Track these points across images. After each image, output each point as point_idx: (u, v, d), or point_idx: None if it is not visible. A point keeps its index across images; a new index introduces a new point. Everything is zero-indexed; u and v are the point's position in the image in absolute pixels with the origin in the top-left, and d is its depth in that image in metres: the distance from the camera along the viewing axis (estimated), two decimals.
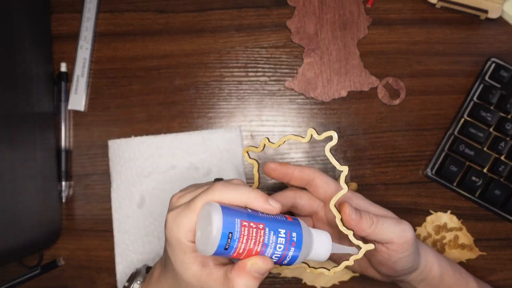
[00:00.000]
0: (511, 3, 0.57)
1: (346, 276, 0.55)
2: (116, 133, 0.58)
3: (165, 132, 0.57)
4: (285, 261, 0.38)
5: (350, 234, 0.42)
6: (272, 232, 0.36)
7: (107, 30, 0.59)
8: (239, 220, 0.35)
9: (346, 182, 0.43)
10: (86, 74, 0.58)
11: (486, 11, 0.56)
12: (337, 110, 0.57)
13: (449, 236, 0.56)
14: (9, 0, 0.50)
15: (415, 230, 0.56)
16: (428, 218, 0.56)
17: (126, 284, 0.48)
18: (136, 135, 0.57)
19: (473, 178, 0.54)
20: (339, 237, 0.46)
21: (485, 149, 0.55)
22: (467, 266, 0.56)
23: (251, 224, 0.35)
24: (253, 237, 0.35)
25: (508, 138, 0.54)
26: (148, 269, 0.50)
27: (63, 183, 0.56)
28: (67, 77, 0.58)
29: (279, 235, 0.36)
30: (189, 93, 0.58)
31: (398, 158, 0.57)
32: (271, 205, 0.37)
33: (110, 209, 0.56)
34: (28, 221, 0.51)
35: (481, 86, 0.56)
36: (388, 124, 0.57)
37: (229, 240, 0.34)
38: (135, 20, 0.59)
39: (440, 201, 0.56)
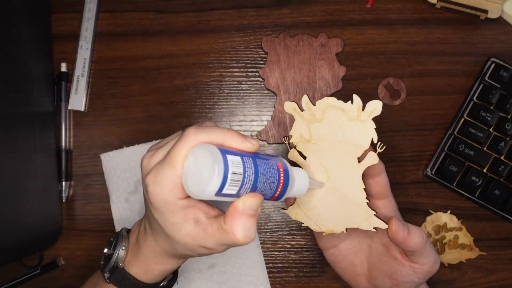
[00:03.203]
0: (511, 3, 0.57)
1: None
2: (116, 133, 0.58)
3: (165, 132, 0.57)
4: (274, 197, 0.37)
5: (372, 214, 0.41)
6: (263, 168, 0.35)
7: (107, 30, 0.59)
8: (233, 157, 0.34)
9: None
10: (86, 74, 0.58)
11: (486, 11, 0.56)
12: None
13: (449, 236, 0.56)
14: (10, 0, 0.50)
15: None
16: (428, 218, 0.56)
17: (107, 250, 0.44)
18: (135, 136, 0.57)
19: (473, 178, 0.54)
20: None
21: (485, 149, 0.55)
22: (467, 266, 0.56)
23: (244, 160, 0.34)
24: (247, 175, 0.34)
25: (508, 138, 0.54)
26: (128, 232, 0.45)
27: (63, 183, 0.56)
28: (67, 77, 0.58)
29: (269, 170, 0.36)
30: (189, 93, 0.58)
31: (398, 158, 0.57)
32: (250, 142, 0.36)
33: (110, 209, 0.56)
34: (28, 221, 0.51)
35: (481, 86, 0.56)
36: (388, 124, 0.57)
37: (228, 179, 0.33)
38: (135, 20, 0.59)
39: (440, 201, 0.56)
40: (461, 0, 0.56)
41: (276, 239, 0.57)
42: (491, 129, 0.55)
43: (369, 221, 0.41)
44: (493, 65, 0.56)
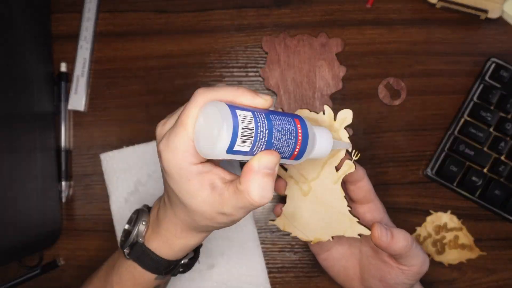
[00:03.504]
0: (511, 3, 0.57)
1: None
2: (116, 133, 0.58)
3: None
4: (294, 155, 0.35)
5: (355, 221, 0.42)
6: (277, 123, 0.33)
7: (107, 30, 0.59)
8: (243, 112, 0.32)
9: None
10: (86, 74, 0.58)
11: (486, 11, 0.56)
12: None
13: (449, 236, 0.56)
14: (10, 0, 0.50)
15: (415, 230, 0.56)
16: (428, 218, 0.56)
17: (127, 227, 0.43)
18: (135, 136, 0.57)
19: (473, 178, 0.54)
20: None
21: (485, 149, 0.55)
22: (468, 266, 0.56)
23: (256, 116, 0.32)
24: (260, 130, 0.32)
25: (508, 138, 0.54)
26: (149, 209, 0.44)
27: (63, 183, 0.56)
28: (67, 77, 0.58)
29: (284, 126, 0.34)
30: (189, 93, 0.58)
31: (398, 158, 0.57)
32: (262, 98, 0.34)
33: (110, 209, 0.56)
34: (28, 221, 0.51)
35: (481, 86, 0.56)
36: (388, 124, 0.57)
37: (239, 134, 0.31)
38: (135, 20, 0.59)
39: (440, 201, 0.56)
40: (461, 0, 0.56)
41: (276, 239, 0.57)
42: (491, 129, 0.55)
43: (353, 228, 0.42)
44: (493, 65, 0.56)
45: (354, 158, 0.41)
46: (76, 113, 0.58)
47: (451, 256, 0.55)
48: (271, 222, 0.45)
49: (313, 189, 0.43)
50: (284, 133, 0.34)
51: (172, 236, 0.40)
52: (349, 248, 0.48)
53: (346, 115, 0.42)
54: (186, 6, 0.59)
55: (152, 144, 0.56)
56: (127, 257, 0.42)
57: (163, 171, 0.35)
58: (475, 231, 0.56)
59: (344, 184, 0.43)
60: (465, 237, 0.56)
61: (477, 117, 0.55)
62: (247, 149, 0.32)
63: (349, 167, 0.41)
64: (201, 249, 0.56)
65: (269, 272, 0.56)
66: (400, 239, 0.41)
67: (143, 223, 0.42)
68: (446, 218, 0.56)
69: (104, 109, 0.58)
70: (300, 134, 0.34)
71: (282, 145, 0.34)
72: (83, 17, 0.58)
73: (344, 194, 0.42)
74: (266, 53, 0.58)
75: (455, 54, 0.58)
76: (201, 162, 0.34)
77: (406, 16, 0.58)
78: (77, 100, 0.58)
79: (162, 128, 0.36)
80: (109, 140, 0.58)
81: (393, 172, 0.57)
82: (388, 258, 0.44)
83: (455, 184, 0.55)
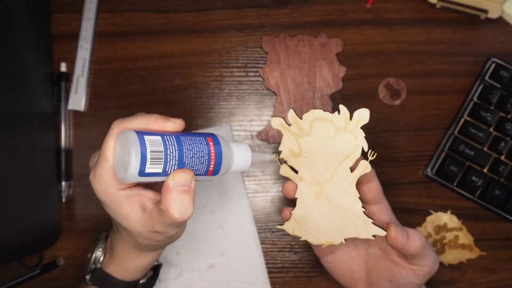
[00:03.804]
0: (511, 3, 0.57)
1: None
2: None
3: None
4: (210, 171, 0.37)
5: (369, 222, 0.41)
6: (188, 143, 0.36)
7: (107, 30, 0.59)
8: (151, 137, 0.35)
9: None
10: (86, 74, 0.58)
11: (486, 11, 0.56)
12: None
13: (449, 236, 0.56)
14: (10, 0, 0.50)
15: None
16: (428, 218, 0.56)
17: (89, 255, 0.47)
18: None
19: (473, 178, 0.54)
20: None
21: (485, 149, 0.55)
22: (468, 266, 0.56)
23: (165, 139, 0.35)
24: (170, 152, 0.35)
25: (508, 138, 0.54)
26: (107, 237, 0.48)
27: (63, 183, 0.56)
28: (67, 77, 0.58)
29: (196, 145, 0.36)
30: (189, 93, 0.58)
31: (398, 158, 0.57)
32: (172, 122, 0.36)
33: None
34: (28, 221, 0.51)
35: (481, 86, 0.56)
36: (388, 124, 0.57)
37: (148, 157, 0.34)
38: (135, 20, 0.59)
39: (440, 201, 0.56)
40: (461, 0, 0.56)
41: (276, 239, 0.57)
42: (491, 129, 0.55)
43: (367, 230, 0.42)
44: (493, 65, 0.56)
45: (370, 158, 0.41)
46: (76, 113, 0.58)
47: (451, 256, 0.55)
48: (279, 227, 0.44)
49: (325, 191, 0.42)
50: (195, 152, 0.36)
51: (124, 259, 0.43)
52: (354, 249, 0.47)
53: (363, 115, 0.41)
54: (186, 6, 0.59)
55: None
56: (89, 283, 0.45)
57: (100, 201, 0.38)
58: (475, 231, 0.56)
59: (356, 185, 0.42)
60: (465, 237, 0.56)
61: (477, 117, 0.55)
62: (160, 170, 0.34)
63: (364, 167, 0.41)
64: (201, 249, 0.56)
65: (269, 272, 0.56)
66: (415, 239, 0.41)
67: (100, 249, 0.46)
68: (446, 218, 0.56)
69: (104, 109, 0.58)
70: (212, 152, 0.37)
71: (195, 163, 0.36)
72: (83, 17, 0.58)
73: (358, 195, 0.41)
74: (266, 53, 0.58)
75: (455, 54, 0.58)
76: (129, 187, 0.37)
77: (406, 16, 0.58)
78: (77, 100, 0.58)
79: (92, 160, 0.39)
80: None
81: (393, 172, 0.57)
82: (398, 259, 0.43)
83: (455, 184, 0.55)
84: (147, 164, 0.34)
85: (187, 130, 0.57)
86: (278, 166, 0.43)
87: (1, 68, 0.48)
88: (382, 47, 0.58)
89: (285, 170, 0.43)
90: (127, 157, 0.34)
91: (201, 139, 0.37)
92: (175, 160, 0.35)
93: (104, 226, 0.57)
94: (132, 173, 0.34)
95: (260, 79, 0.58)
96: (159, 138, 0.35)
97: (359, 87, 0.58)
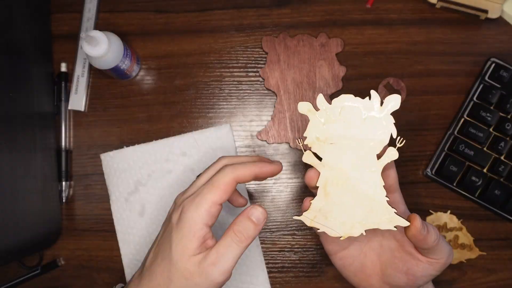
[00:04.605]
0: (511, 3, 0.57)
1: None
2: (116, 133, 0.58)
3: (165, 132, 0.57)
4: None
5: (392, 211, 0.40)
6: None
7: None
8: None
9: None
10: (86, 74, 0.58)
11: (486, 11, 0.56)
12: None
13: (449, 236, 0.56)
14: (10, 1, 0.50)
15: None
16: (428, 218, 0.56)
17: None
18: (135, 136, 0.57)
19: (473, 178, 0.54)
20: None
21: (485, 149, 0.55)
22: (467, 266, 0.56)
23: None
24: None
25: (508, 138, 0.54)
26: None
27: (63, 183, 0.56)
28: (67, 77, 0.58)
29: None
30: (189, 93, 0.58)
31: (398, 158, 0.57)
32: (276, 164, 0.43)
33: (110, 209, 0.56)
34: (28, 221, 0.51)
35: (481, 86, 0.56)
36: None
37: None
38: (135, 20, 0.59)
39: (440, 201, 0.56)
40: (461, 0, 0.56)
41: (276, 239, 0.57)
42: (491, 129, 0.55)
43: (390, 220, 0.40)
44: (493, 65, 0.56)
45: (398, 145, 0.41)
46: (76, 113, 0.58)
47: None
48: (296, 218, 0.42)
49: (349, 178, 0.41)
50: None
51: None
52: (367, 243, 0.46)
53: (394, 101, 0.41)
54: (186, 6, 0.59)
55: (152, 144, 0.57)
56: None
57: (174, 224, 0.41)
58: (475, 231, 0.56)
59: None
60: (465, 237, 0.56)
61: (477, 117, 0.55)
62: None
63: (393, 154, 0.40)
64: None
65: (269, 272, 0.56)
66: (432, 233, 0.41)
67: None
68: (446, 218, 0.56)
69: (104, 109, 0.58)
70: None
71: None
72: (83, 17, 0.58)
73: (383, 183, 0.41)
74: (266, 53, 0.58)
75: (455, 54, 0.58)
76: (209, 226, 0.41)
77: (406, 16, 0.58)
78: (77, 100, 0.58)
79: (182, 195, 0.43)
80: (109, 140, 0.58)
81: None
82: (414, 251, 0.43)
83: (455, 184, 0.55)
84: None
85: (187, 130, 0.57)
86: (302, 152, 0.43)
87: (1, 68, 0.48)
88: (382, 47, 0.58)
89: (308, 157, 0.42)
90: None
91: None
92: None
93: (104, 226, 0.57)
94: None
95: (260, 79, 0.58)
96: None
97: (359, 87, 0.58)
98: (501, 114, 0.55)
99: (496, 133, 0.55)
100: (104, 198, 0.57)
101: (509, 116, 0.55)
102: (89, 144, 0.58)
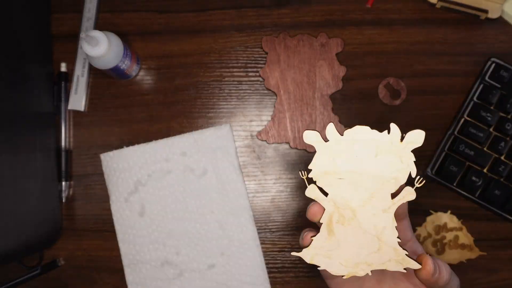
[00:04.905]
0: (511, 3, 0.57)
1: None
2: (116, 133, 0.58)
3: (165, 132, 0.57)
4: None
5: (403, 254, 0.38)
6: None
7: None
8: None
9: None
10: (86, 74, 0.58)
11: (486, 11, 0.56)
12: (337, 110, 0.57)
13: (449, 236, 0.56)
14: (10, 1, 0.50)
15: (415, 230, 0.56)
16: (428, 218, 0.56)
17: None
18: (135, 136, 0.57)
19: (473, 178, 0.54)
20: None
21: (485, 149, 0.55)
22: (468, 266, 0.56)
23: None
24: None
25: (508, 138, 0.54)
26: None
27: (63, 183, 0.56)
28: (67, 77, 0.58)
29: None
30: (189, 93, 0.58)
31: None
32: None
33: (110, 209, 0.56)
34: (28, 221, 0.51)
35: (481, 86, 0.56)
36: (388, 124, 0.57)
37: None
38: (135, 20, 0.59)
39: (440, 201, 0.56)
40: (461, 0, 0.56)
41: (276, 239, 0.57)
42: (491, 129, 0.55)
43: (401, 262, 0.38)
44: (493, 65, 0.56)
45: (417, 185, 0.37)
46: (76, 113, 0.58)
47: (451, 256, 0.55)
48: (295, 254, 0.39)
49: (357, 217, 0.38)
50: None
51: None
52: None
53: (417, 137, 0.37)
54: (186, 6, 0.59)
55: (152, 144, 0.57)
56: None
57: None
58: (475, 231, 0.56)
59: None
60: (465, 237, 0.56)
61: (477, 117, 0.55)
62: None
63: (410, 195, 0.37)
64: (201, 249, 0.56)
65: (269, 272, 0.56)
66: (444, 273, 0.38)
67: None
68: (446, 218, 0.56)
69: (104, 109, 0.58)
70: None
71: None
72: (83, 17, 0.58)
73: (396, 224, 0.37)
74: (266, 53, 0.58)
75: (455, 54, 0.58)
76: None
77: (406, 16, 0.58)
78: (77, 100, 0.58)
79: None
80: (109, 140, 0.58)
81: None
82: (419, 283, 0.40)
83: (455, 184, 0.55)
84: None
85: (188, 130, 0.57)
86: (305, 186, 0.39)
87: (1, 68, 0.48)
88: (382, 47, 0.58)
89: (312, 191, 0.38)
90: None
91: None
92: None
93: (104, 226, 0.57)
94: None
95: (260, 79, 0.58)
96: None
97: (359, 87, 0.58)
98: (501, 114, 0.55)
99: (496, 133, 0.55)
100: (104, 198, 0.57)
101: (509, 116, 0.55)
102: (89, 144, 0.58)
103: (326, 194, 0.38)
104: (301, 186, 0.57)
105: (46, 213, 0.54)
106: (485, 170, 0.55)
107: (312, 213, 0.39)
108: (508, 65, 0.55)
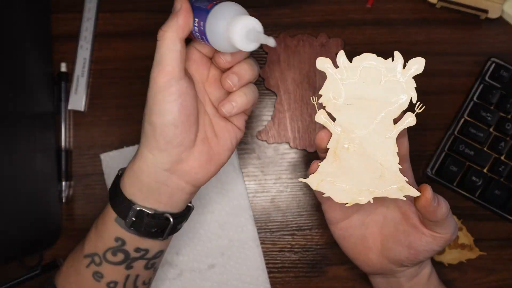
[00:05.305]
0: (511, 3, 0.57)
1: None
2: (116, 133, 0.58)
3: None
4: (201, 37, 0.42)
5: (403, 180, 0.40)
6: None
7: (107, 30, 0.59)
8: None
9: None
10: (86, 74, 0.58)
11: (486, 11, 0.56)
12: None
13: None
14: (10, 0, 0.50)
15: None
16: None
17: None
18: (135, 136, 0.57)
19: (473, 178, 0.54)
20: None
21: (485, 149, 0.55)
22: (468, 266, 0.56)
23: None
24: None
25: (508, 138, 0.54)
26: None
27: (63, 183, 0.56)
28: (67, 77, 0.58)
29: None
30: None
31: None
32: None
33: None
34: (28, 221, 0.51)
35: (481, 86, 0.56)
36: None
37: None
38: (135, 20, 0.59)
39: None
40: (461, 0, 0.56)
41: (276, 239, 0.57)
42: (491, 129, 0.55)
43: (400, 189, 0.39)
44: (493, 65, 0.56)
45: (417, 110, 0.39)
46: (76, 113, 0.58)
47: (451, 256, 0.55)
48: (301, 180, 0.40)
49: (362, 142, 0.40)
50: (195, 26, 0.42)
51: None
52: (370, 214, 0.45)
53: (418, 64, 0.40)
54: None
55: None
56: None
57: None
58: (475, 231, 0.56)
59: None
60: (465, 237, 0.56)
61: (477, 117, 0.55)
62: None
63: (411, 120, 0.39)
64: (201, 249, 0.56)
65: (269, 272, 0.56)
66: (443, 206, 0.40)
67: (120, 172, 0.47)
68: None
69: (104, 109, 0.58)
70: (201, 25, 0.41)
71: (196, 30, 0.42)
72: (83, 17, 0.58)
73: (397, 150, 0.39)
74: (266, 53, 0.58)
75: (455, 54, 0.58)
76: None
77: (406, 16, 0.58)
78: (77, 100, 0.58)
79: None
80: (109, 140, 0.58)
81: None
82: (419, 224, 0.42)
83: (455, 184, 0.55)
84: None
85: None
86: (315, 111, 0.40)
87: (1, 68, 0.48)
88: (382, 47, 0.58)
89: (321, 116, 0.40)
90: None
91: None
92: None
93: None
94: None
95: (260, 79, 0.58)
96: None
97: None
98: (501, 114, 0.55)
99: (496, 133, 0.55)
100: (104, 198, 0.57)
101: (509, 116, 0.55)
102: (89, 144, 0.58)
103: (334, 120, 0.40)
104: (302, 186, 0.57)
105: (46, 213, 0.54)
106: (485, 170, 0.55)
107: (319, 138, 0.40)
108: (508, 65, 0.55)
